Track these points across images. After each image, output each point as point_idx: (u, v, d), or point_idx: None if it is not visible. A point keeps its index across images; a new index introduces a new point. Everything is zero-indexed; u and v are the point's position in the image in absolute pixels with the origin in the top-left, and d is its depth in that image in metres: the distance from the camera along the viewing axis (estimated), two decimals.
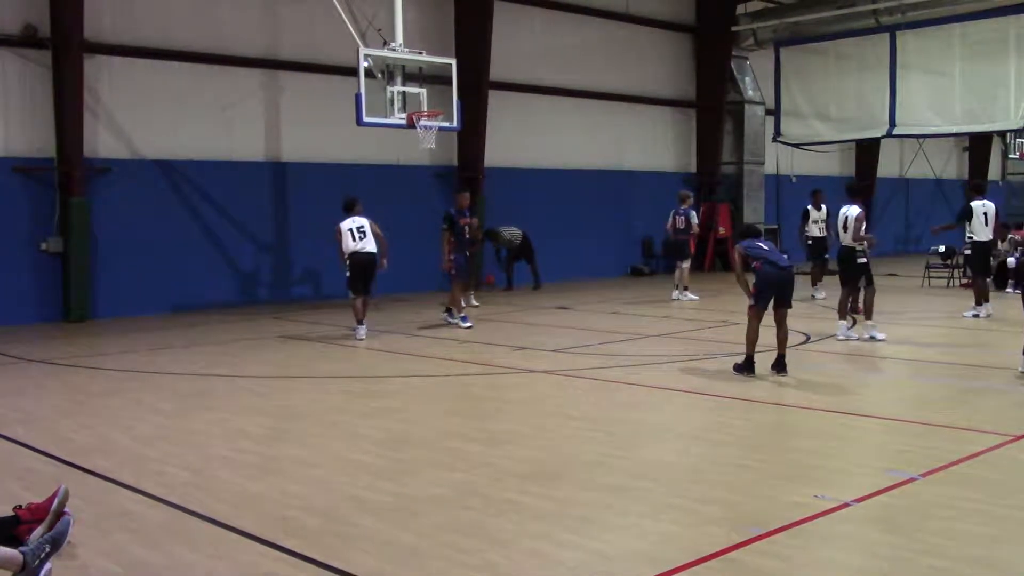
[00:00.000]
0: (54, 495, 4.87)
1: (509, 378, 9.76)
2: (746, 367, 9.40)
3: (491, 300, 17.54)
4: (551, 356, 10.91)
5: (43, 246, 14.73)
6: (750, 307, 9.49)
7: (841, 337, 11.64)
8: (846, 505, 5.27)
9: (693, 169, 24.82)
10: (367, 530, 5.02)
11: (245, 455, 6.66)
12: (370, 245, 12.75)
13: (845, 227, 11.84)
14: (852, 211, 11.77)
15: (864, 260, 11.82)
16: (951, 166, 32.92)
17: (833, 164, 28.10)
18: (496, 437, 7.16)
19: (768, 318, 9.41)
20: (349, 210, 13.03)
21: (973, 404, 8.45)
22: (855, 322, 11.93)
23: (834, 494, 5.45)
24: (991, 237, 13.89)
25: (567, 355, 10.97)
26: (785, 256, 9.73)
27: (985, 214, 13.49)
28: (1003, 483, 5.83)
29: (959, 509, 5.22)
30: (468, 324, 13.40)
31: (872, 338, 11.45)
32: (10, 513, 4.85)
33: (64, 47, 14.52)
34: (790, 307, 9.53)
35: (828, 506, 5.25)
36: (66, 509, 4.88)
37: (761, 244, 9.61)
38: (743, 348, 9.42)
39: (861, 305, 12.20)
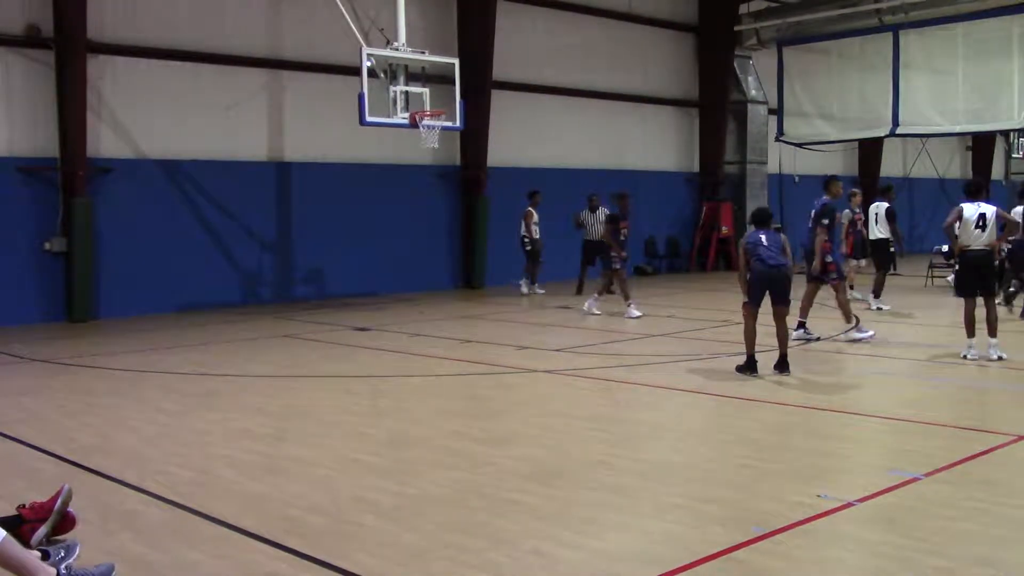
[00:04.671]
0: (57, 494, 4.88)
1: (511, 378, 9.76)
2: (747, 367, 9.37)
3: (496, 299, 17.55)
4: (554, 356, 10.91)
5: (46, 246, 14.73)
6: (744, 304, 9.45)
7: (973, 356, 10.07)
8: (849, 505, 5.27)
9: (696, 169, 24.80)
10: (370, 530, 5.02)
11: (248, 455, 6.67)
12: (521, 231, 18.14)
13: (983, 227, 10.03)
14: (989, 209, 10.13)
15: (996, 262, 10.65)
16: (954, 165, 32.87)
17: (836, 163, 28.04)
18: (498, 437, 7.17)
19: (769, 318, 9.40)
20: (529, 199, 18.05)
21: (976, 404, 8.44)
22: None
23: (837, 494, 5.44)
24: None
25: (569, 355, 10.97)
26: (781, 251, 9.37)
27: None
28: (1007, 483, 5.83)
29: (962, 509, 5.22)
30: (815, 336, 11.59)
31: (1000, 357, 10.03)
32: (13, 512, 4.86)
33: (67, 47, 14.52)
34: (786, 304, 9.46)
35: (831, 506, 5.25)
36: (70, 509, 4.89)
37: (762, 237, 9.39)
38: (744, 347, 9.41)
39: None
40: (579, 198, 18.22)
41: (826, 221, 11.48)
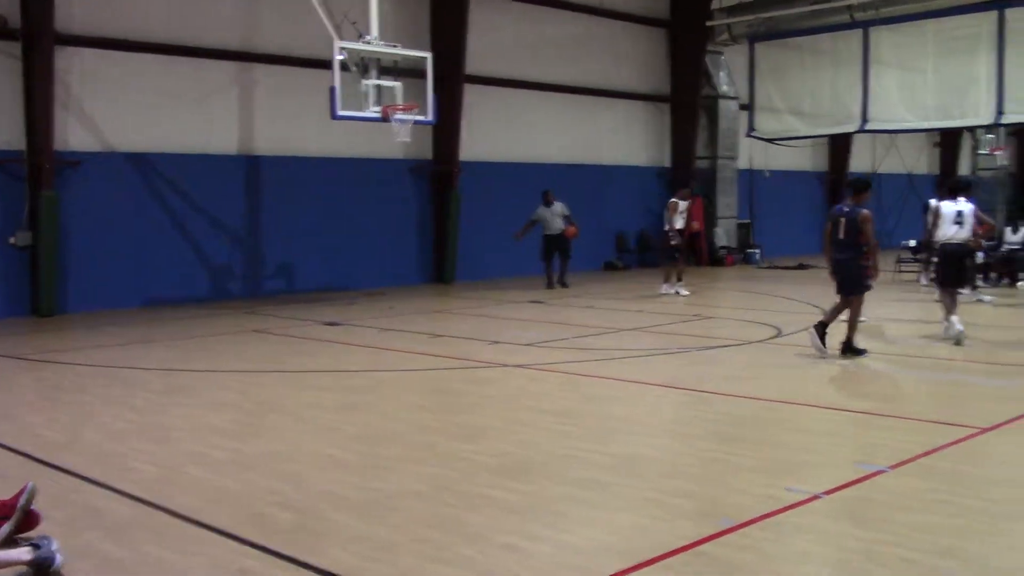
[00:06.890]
0: (21, 492, 4.81)
1: (483, 372, 9.76)
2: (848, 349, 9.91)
3: (466, 295, 17.55)
4: (525, 350, 10.92)
5: (12, 240, 14.54)
6: None
7: (953, 333, 10.74)
8: (816, 497, 5.32)
9: (667, 164, 24.88)
10: (341, 525, 5.01)
11: (218, 451, 6.63)
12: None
13: (960, 223, 11.09)
14: (967, 206, 11.19)
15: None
16: (923, 162, 33.22)
17: (806, 159, 28.29)
18: (469, 432, 7.17)
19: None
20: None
21: (942, 397, 8.54)
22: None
23: (804, 487, 5.50)
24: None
25: (541, 349, 10.99)
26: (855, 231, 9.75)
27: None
28: (971, 475, 5.91)
29: (928, 501, 5.29)
30: None
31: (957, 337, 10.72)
32: None
33: (35, 38, 14.32)
34: (848, 294, 9.89)
35: (798, 498, 5.30)
36: (34, 507, 4.83)
37: (842, 220, 9.75)
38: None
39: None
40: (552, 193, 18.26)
41: None
